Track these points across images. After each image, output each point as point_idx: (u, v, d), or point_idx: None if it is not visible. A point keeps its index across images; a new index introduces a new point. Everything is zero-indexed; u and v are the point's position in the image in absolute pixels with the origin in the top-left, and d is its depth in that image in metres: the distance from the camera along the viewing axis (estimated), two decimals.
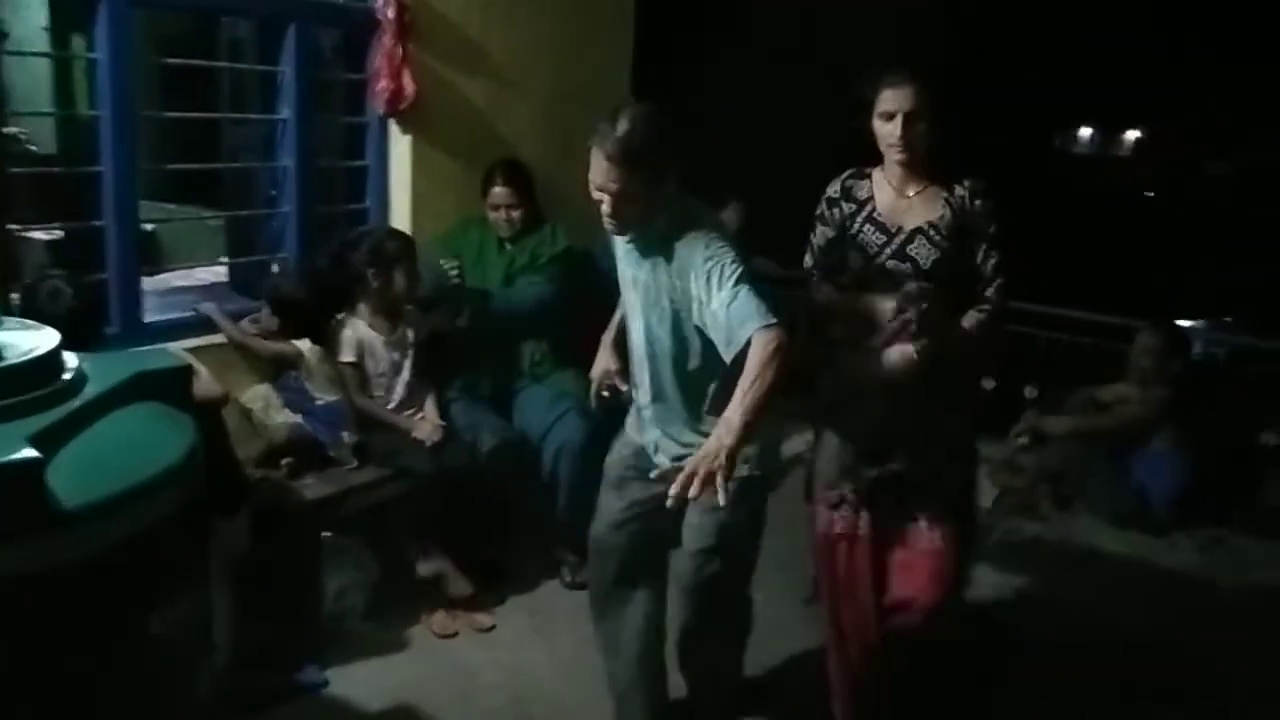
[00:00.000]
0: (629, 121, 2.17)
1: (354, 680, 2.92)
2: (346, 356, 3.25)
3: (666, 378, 2.41)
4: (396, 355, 3.35)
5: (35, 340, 1.72)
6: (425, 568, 3.21)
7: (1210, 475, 4.09)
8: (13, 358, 1.65)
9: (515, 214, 3.61)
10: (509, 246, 3.67)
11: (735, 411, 1.98)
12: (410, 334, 3.39)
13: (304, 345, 3.18)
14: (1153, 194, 18.54)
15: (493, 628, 3.27)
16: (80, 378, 1.72)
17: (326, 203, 3.61)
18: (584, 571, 3.52)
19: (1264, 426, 4.35)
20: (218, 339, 3.21)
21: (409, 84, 3.47)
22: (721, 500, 1.91)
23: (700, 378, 2.37)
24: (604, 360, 2.69)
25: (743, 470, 2.13)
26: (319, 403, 3.19)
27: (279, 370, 3.23)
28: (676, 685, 2.73)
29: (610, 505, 2.60)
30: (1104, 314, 5.14)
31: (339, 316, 3.30)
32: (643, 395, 2.49)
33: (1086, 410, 4.29)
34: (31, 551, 1.50)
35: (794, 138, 8.78)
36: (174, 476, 1.63)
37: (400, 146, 3.65)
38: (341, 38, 3.62)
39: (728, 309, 2.11)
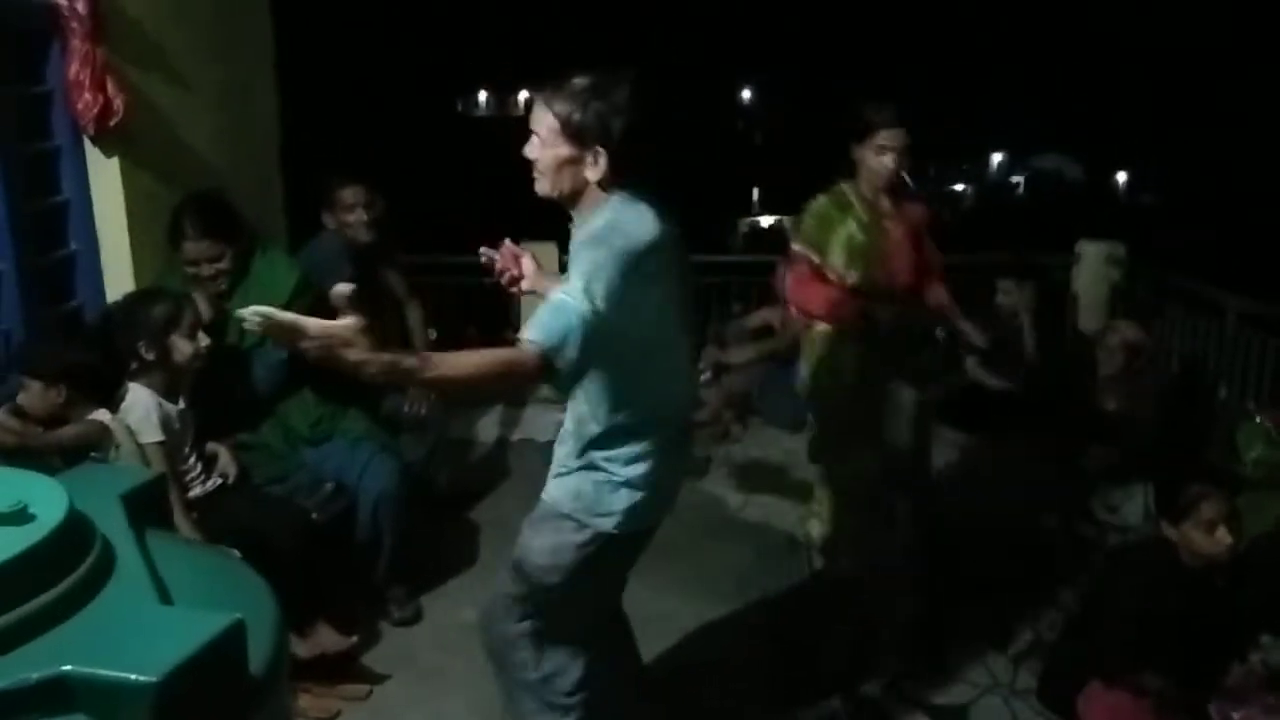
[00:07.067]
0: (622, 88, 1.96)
1: None
2: (152, 436, 2.63)
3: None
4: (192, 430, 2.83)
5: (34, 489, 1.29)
6: (306, 648, 2.79)
7: None
8: (49, 521, 1.24)
9: (221, 266, 2.98)
10: (227, 305, 2.96)
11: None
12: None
13: (105, 418, 2.54)
14: None
15: (370, 692, 2.96)
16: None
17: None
18: (410, 605, 3.33)
19: None
20: None
21: (116, 96, 2.84)
22: None
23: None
24: None
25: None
26: None
27: (70, 461, 2.51)
28: None
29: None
30: None
31: (126, 385, 2.66)
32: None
33: (747, 338, 4.94)
34: None
35: None
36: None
37: (105, 174, 2.97)
38: None
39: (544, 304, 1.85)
